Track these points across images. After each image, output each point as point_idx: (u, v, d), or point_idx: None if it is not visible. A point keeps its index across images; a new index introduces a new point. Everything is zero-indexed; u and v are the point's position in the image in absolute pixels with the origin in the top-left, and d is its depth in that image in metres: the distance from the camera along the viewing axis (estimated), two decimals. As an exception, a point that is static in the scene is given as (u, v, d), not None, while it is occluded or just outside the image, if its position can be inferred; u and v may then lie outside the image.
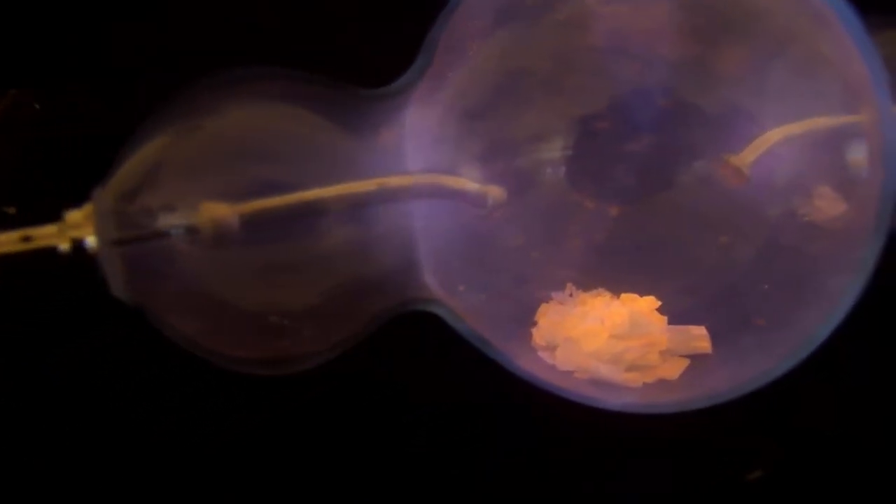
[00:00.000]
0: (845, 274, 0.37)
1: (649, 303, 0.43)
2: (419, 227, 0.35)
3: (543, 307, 0.42)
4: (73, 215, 0.31)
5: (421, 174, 0.35)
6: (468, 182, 0.36)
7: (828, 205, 0.40)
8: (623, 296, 0.43)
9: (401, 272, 0.35)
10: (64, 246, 0.31)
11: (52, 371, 0.38)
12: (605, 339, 0.40)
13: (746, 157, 0.40)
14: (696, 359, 0.41)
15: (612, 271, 0.43)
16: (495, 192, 0.37)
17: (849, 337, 0.36)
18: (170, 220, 0.33)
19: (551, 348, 0.40)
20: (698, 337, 0.41)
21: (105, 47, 0.51)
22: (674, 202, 0.41)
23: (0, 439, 0.35)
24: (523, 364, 0.38)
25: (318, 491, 0.35)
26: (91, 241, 0.31)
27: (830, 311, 0.37)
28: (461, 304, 0.36)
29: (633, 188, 0.40)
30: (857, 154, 0.38)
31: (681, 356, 0.41)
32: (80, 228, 0.31)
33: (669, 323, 0.42)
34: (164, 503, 0.34)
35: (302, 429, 0.37)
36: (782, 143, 0.40)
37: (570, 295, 0.43)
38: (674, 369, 0.40)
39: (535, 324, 0.41)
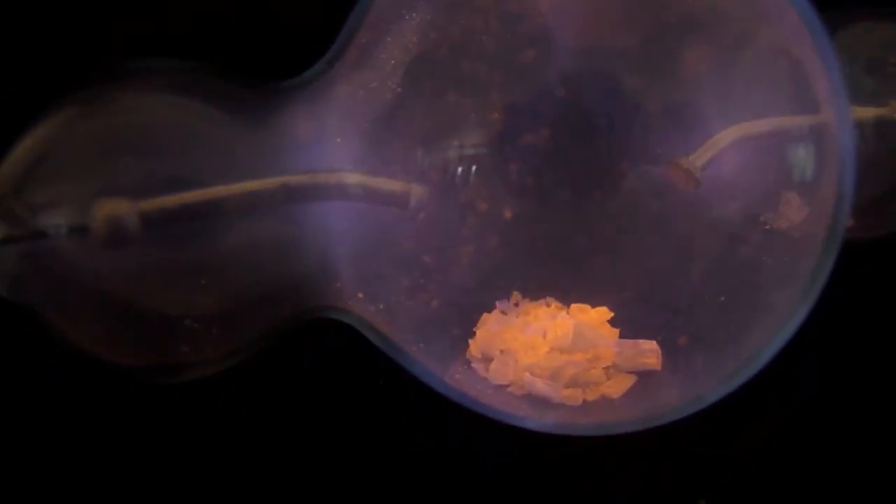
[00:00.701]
0: (799, 284, 0.34)
1: (600, 314, 0.40)
2: (332, 230, 0.32)
3: (485, 317, 0.39)
4: None
5: (334, 172, 0.32)
6: (388, 181, 0.34)
7: (789, 211, 0.37)
8: (573, 306, 0.40)
9: (312, 277, 0.33)
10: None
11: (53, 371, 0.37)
12: (545, 352, 0.38)
13: (698, 159, 0.37)
14: (643, 376, 0.38)
15: (555, 279, 0.40)
16: (418, 192, 0.34)
17: (799, 351, 0.34)
18: (55, 218, 0.31)
19: (486, 360, 0.38)
20: (647, 353, 0.38)
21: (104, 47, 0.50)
22: (619, 207, 0.38)
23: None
24: (452, 377, 0.35)
25: (317, 491, 0.34)
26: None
27: (783, 323, 0.34)
28: (380, 313, 0.34)
29: (575, 192, 0.38)
30: (813, 156, 0.35)
31: (627, 372, 0.38)
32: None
33: (621, 336, 0.39)
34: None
35: (301, 428, 0.36)
36: (736, 145, 0.37)
37: (516, 304, 0.40)
38: (618, 386, 0.37)
39: (473, 335, 0.39)
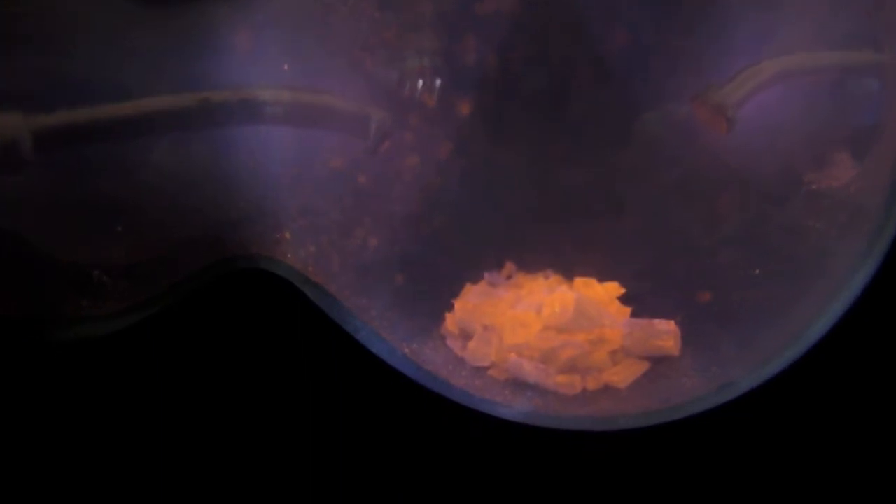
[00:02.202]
0: (851, 254, 0.27)
1: (609, 290, 0.33)
2: (263, 161, 0.26)
3: (468, 288, 0.33)
4: None
5: (269, 89, 0.26)
6: (343, 101, 0.27)
7: (838, 167, 0.30)
8: (577, 280, 0.33)
9: (243, 218, 0.27)
10: None
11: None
12: (539, 330, 0.31)
13: (730, 94, 0.30)
14: (657, 362, 0.31)
15: (554, 246, 0.33)
16: (381, 117, 0.27)
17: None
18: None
19: (465, 338, 0.31)
20: (663, 334, 0.31)
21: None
22: (632, 157, 0.31)
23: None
24: (419, 356, 0.29)
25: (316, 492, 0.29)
26: None
27: (828, 301, 0.27)
28: (330, 271, 0.27)
29: (575, 135, 0.31)
30: (874, 101, 0.29)
31: (639, 358, 0.31)
32: None
33: (634, 315, 0.32)
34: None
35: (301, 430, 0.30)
36: (778, 82, 0.30)
37: (510, 276, 0.34)
38: (626, 374, 0.30)
39: (451, 307, 0.32)
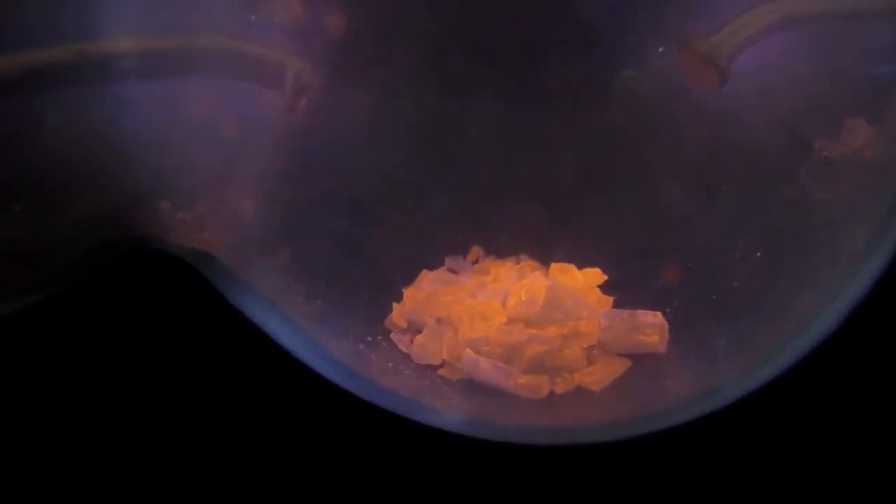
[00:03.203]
0: (865, 237, 0.23)
1: (590, 277, 0.29)
2: (167, 122, 0.22)
3: (424, 275, 0.28)
4: None
5: (157, 37, 0.22)
6: (254, 46, 0.23)
7: (851, 130, 0.25)
8: (553, 266, 0.29)
9: (136, 190, 0.22)
10: None
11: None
12: (501, 323, 0.27)
13: (722, 42, 0.25)
14: (641, 361, 0.26)
15: (527, 227, 0.29)
16: (300, 68, 0.23)
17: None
18: None
19: (413, 332, 0.27)
20: (647, 327, 0.26)
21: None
22: (612, 119, 0.26)
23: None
24: (348, 351, 0.25)
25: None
26: None
27: (840, 292, 0.23)
28: (243, 255, 0.23)
29: (546, 98, 0.26)
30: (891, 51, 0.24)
31: (619, 356, 0.26)
32: None
33: (617, 306, 0.28)
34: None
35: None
36: (778, 28, 0.25)
37: (476, 261, 0.29)
38: (602, 374, 0.26)
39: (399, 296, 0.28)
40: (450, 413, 0.24)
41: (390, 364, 0.25)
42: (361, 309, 0.26)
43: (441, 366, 0.26)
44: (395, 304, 0.27)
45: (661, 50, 0.26)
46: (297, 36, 0.23)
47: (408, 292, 0.27)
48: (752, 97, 0.26)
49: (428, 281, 0.28)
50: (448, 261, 0.29)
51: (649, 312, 0.27)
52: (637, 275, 0.28)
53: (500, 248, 0.30)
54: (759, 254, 0.26)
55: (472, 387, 0.26)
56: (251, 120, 0.23)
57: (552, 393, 0.26)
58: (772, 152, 0.26)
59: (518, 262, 0.29)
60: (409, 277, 0.28)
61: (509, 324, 0.27)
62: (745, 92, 0.26)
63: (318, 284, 0.25)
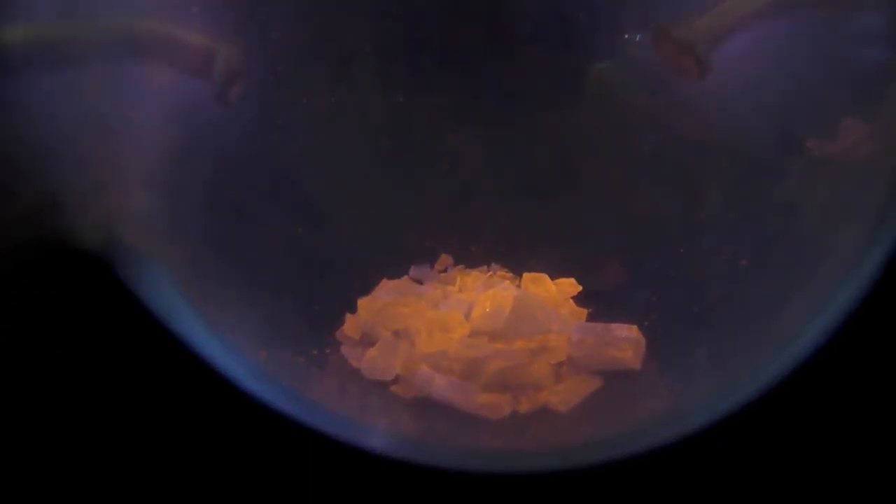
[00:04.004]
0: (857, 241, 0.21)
1: (564, 287, 0.27)
2: (73, 113, 0.20)
3: (384, 284, 0.26)
4: None
5: (83, 21, 0.20)
6: (180, 30, 0.21)
7: (843, 126, 0.23)
8: (526, 275, 0.27)
9: (48, 187, 0.21)
10: None
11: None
12: (463, 336, 0.24)
13: (701, 29, 0.23)
14: (614, 379, 0.24)
15: (499, 235, 0.27)
16: (230, 53, 0.21)
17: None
18: None
19: (365, 345, 0.25)
20: (621, 342, 0.24)
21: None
22: (585, 117, 0.24)
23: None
24: (291, 366, 0.22)
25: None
26: None
27: (832, 295, 0.20)
28: (164, 251, 0.21)
29: (514, 94, 0.24)
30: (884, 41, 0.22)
31: (591, 373, 0.24)
32: None
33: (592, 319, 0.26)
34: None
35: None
36: (764, 15, 0.23)
37: (444, 271, 0.27)
38: (569, 393, 0.24)
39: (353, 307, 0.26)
40: (389, 434, 0.22)
41: (335, 379, 0.23)
42: (310, 319, 0.24)
43: (394, 382, 0.24)
44: (348, 316, 0.25)
45: (637, 38, 0.23)
46: (228, 18, 0.21)
47: (363, 302, 0.25)
48: (736, 90, 0.24)
49: (386, 290, 0.26)
50: (413, 270, 0.27)
51: (624, 326, 0.25)
52: (615, 286, 0.26)
53: (472, 258, 0.28)
54: (744, 261, 0.24)
55: (427, 406, 0.23)
56: (176, 110, 0.21)
57: (515, 412, 0.23)
58: (759, 150, 0.24)
59: (489, 272, 0.27)
60: (366, 287, 0.26)
61: (472, 337, 0.25)
62: (730, 84, 0.23)
63: (259, 290, 0.23)
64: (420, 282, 0.27)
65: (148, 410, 0.24)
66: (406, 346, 0.24)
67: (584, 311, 0.26)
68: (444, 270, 0.27)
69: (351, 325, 0.25)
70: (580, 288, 0.26)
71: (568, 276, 0.27)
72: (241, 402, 0.20)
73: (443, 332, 0.25)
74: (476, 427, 0.23)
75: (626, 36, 0.24)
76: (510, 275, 0.27)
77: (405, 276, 0.27)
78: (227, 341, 0.20)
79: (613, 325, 0.25)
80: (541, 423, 0.23)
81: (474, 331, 0.25)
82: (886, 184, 0.21)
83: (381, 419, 0.23)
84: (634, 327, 0.25)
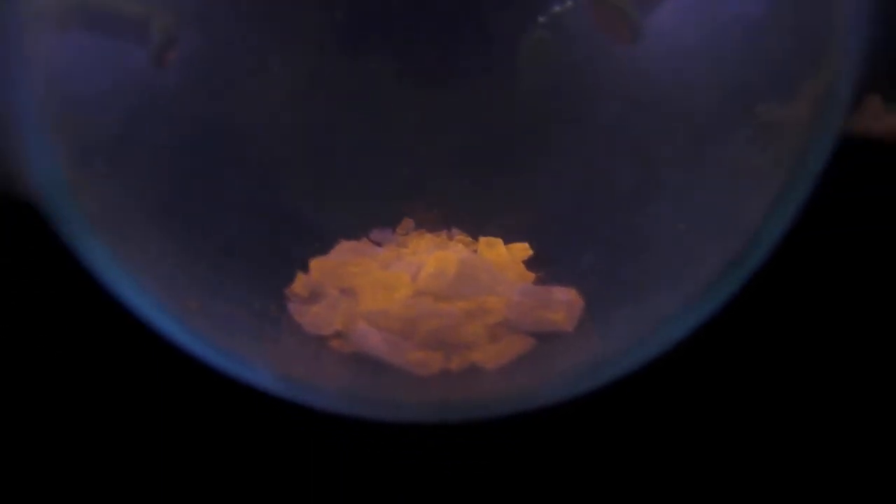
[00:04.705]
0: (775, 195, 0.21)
1: (516, 251, 0.27)
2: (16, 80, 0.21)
3: (341, 245, 0.27)
4: None
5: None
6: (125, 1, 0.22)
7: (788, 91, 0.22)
8: (482, 240, 0.27)
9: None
10: None
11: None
12: (407, 295, 0.25)
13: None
14: (546, 340, 0.24)
15: (457, 200, 0.27)
16: (164, 22, 0.22)
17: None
18: None
19: (313, 301, 0.26)
20: (555, 304, 0.25)
21: None
22: (525, 82, 0.25)
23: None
24: (226, 319, 0.24)
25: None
26: None
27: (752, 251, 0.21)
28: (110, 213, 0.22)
29: (456, 59, 0.25)
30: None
31: (525, 334, 0.25)
32: None
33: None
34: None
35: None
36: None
37: (406, 233, 0.28)
38: (498, 353, 0.24)
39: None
40: (320, 385, 0.22)
41: (274, 332, 0.24)
42: (263, 277, 0.26)
43: (333, 337, 0.25)
44: (299, 275, 0.26)
45: (569, 3, 0.24)
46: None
47: (315, 262, 0.26)
48: (673, 53, 0.23)
49: (341, 251, 0.27)
50: (374, 232, 0.28)
51: (564, 289, 0.25)
52: (565, 250, 0.26)
53: (434, 222, 0.28)
54: (682, 226, 0.24)
55: (362, 361, 0.24)
56: (119, 77, 0.22)
57: (444, 370, 0.24)
58: (702, 115, 0.24)
59: (449, 237, 0.28)
60: (323, 247, 0.27)
61: (417, 297, 0.25)
62: (665, 48, 0.23)
63: (206, 247, 0.24)
64: (379, 244, 0.28)
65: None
66: (349, 303, 0.25)
67: (531, 275, 0.26)
68: (406, 234, 0.28)
69: (301, 283, 0.26)
70: (531, 252, 0.27)
71: (524, 240, 0.27)
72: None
73: (386, 292, 0.25)
74: (406, 382, 0.24)
75: (569, 3, 0.24)
76: (468, 239, 0.28)
77: (364, 238, 0.28)
78: (159, 290, 0.21)
79: (554, 289, 0.25)
80: (468, 381, 0.24)
81: (420, 291, 0.25)
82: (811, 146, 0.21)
83: (314, 371, 0.23)
84: (573, 290, 0.25)
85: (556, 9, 0.24)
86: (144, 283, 0.21)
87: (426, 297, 0.25)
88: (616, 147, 0.25)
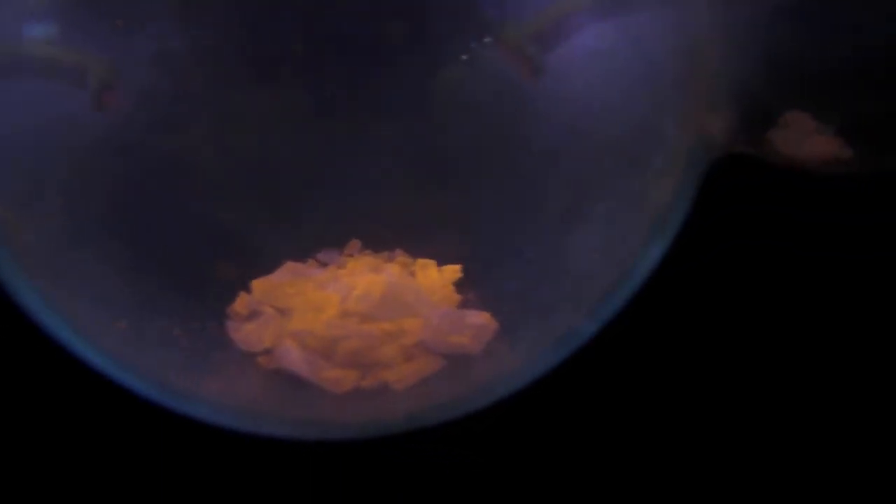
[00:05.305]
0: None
1: (447, 274, 0.28)
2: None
3: (286, 266, 0.29)
4: None
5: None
6: (62, 51, 0.24)
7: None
8: (419, 262, 0.29)
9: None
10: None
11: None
12: (333, 316, 0.27)
13: (529, 31, 0.24)
14: (458, 363, 0.26)
15: (399, 222, 0.29)
16: (102, 69, 0.24)
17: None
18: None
19: (249, 319, 0.27)
20: (465, 328, 0.26)
21: None
22: (431, 112, 0.26)
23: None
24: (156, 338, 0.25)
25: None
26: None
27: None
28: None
29: (354, 83, 0.26)
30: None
31: (436, 355, 0.26)
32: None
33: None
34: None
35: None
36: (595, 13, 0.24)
37: (352, 254, 0.30)
38: (407, 373, 0.25)
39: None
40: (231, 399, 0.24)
41: (204, 348, 0.26)
42: (205, 296, 0.27)
43: (261, 354, 0.27)
44: (241, 294, 0.28)
45: (485, 41, 0.25)
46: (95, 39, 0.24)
47: (257, 282, 0.28)
48: (574, 88, 0.24)
49: (284, 272, 0.29)
50: (322, 253, 0.30)
51: (478, 313, 0.26)
52: (492, 273, 0.28)
53: (380, 243, 0.30)
54: (597, 255, 0.25)
55: (285, 378, 0.26)
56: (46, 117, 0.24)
57: (357, 388, 0.25)
58: (612, 147, 0.25)
59: (391, 259, 0.29)
60: (269, 267, 0.29)
61: (343, 318, 0.27)
62: (569, 82, 0.24)
63: (147, 269, 0.26)
64: (326, 264, 0.29)
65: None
66: (281, 322, 0.27)
67: (456, 298, 0.28)
68: (352, 255, 0.30)
69: (242, 303, 0.28)
70: (461, 275, 0.28)
71: (457, 261, 0.28)
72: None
73: (315, 312, 0.27)
74: (321, 399, 0.25)
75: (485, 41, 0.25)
76: (409, 259, 0.29)
77: (310, 259, 0.29)
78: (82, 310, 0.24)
79: (469, 312, 0.26)
80: (379, 399, 0.25)
81: (348, 312, 0.27)
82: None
83: (236, 387, 0.25)
84: (487, 314, 0.26)
85: (472, 45, 0.25)
86: (75, 311, 0.23)
87: (352, 318, 0.27)
88: (536, 175, 0.26)
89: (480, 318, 0.26)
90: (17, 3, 0.23)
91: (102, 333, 0.24)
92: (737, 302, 0.27)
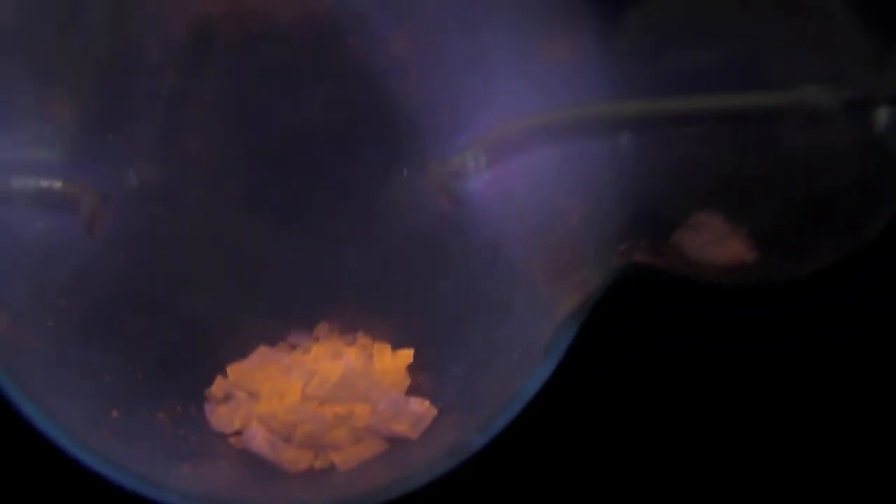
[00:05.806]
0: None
1: (400, 358, 0.32)
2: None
3: (261, 350, 0.33)
4: None
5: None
6: (47, 182, 0.28)
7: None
8: (376, 346, 0.32)
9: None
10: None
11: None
12: (295, 400, 0.30)
13: (450, 168, 0.27)
14: (398, 445, 0.29)
15: (362, 308, 0.33)
16: (91, 200, 0.28)
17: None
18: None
19: (224, 402, 0.31)
20: (403, 415, 0.29)
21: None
22: (374, 225, 0.29)
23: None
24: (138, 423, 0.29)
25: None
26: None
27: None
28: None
29: (311, 204, 0.30)
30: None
31: (380, 438, 0.30)
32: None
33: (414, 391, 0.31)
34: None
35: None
36: (512, 145, 0.27)
37: (317, 339, 0.33)
38: (351, 455, 0.29)
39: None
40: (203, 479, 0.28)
41: (181, 433, 0.30)
42: (185, 382, 0.31)
43: (232, 435, 0.30)
44: (218, 378, 0.32)
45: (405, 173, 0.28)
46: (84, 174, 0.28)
47: (232, 367, 0.32)
48: (490, 211, 0.28)
49: (258, 356, 0.32)
50: (291, 335, 0.33)
51: (419, 400, 0.30)
52: (439, 360, 0.31)
53: (346, 326, 0.33)
54: (516, 355, 0.28)
55: (251, 457, 0.30)
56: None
57: (311, 468, 0.29)
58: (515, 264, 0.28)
59: (352, 343, 0.33)
60: (243, 351, 0.33)
61: (304, 402, 0.31)
62: (483, 206, 0.28)
63: (134, 355, 0.30)
64: (295, 346, 0.33)
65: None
66: (250, 405, 0.31)
67: (406, 382, 0.31)
68: (318, 338, 0.33)
69: (218, 386, 0.32)
70: (411, 360, 0.31)
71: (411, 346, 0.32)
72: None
73: (280, 397, 0.31)
74: (282, 479, 0.29)
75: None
76: (369, 342, 0.33)
77: (281, 342, 0.33)
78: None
79: (410, 399, 0.30)
80: (328, 478, 0.29)
81: (308, 396, 0.31)
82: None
83: (209, 467, 0.29)
84: (426, 402, 0.30)
85: (404, 172, 0.29)
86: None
87: (311, 402, 0.30)
88: (474, 278, 0.30)
89: (420, 406, 0.29)
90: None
91: (92, 429, 0.28)
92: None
